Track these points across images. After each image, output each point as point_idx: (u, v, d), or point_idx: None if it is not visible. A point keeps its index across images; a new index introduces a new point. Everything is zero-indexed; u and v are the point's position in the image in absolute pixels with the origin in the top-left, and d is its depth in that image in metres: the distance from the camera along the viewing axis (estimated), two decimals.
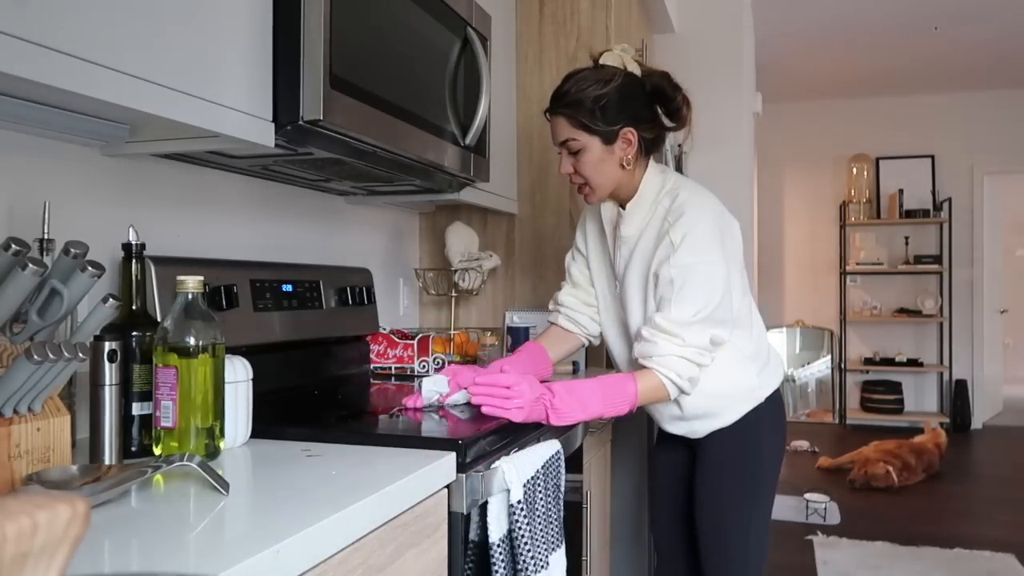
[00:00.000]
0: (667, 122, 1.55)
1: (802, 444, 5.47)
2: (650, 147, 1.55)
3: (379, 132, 1.39)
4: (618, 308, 1.64)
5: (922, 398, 6.47)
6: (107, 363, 1.04)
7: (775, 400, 1.62)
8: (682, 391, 1.44)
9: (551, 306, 1.76)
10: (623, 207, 1.56)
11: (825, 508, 3.88)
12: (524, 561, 1.19)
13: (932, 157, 6.43)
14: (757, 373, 1.58)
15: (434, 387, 1.43)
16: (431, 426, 1.36)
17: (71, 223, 1.24)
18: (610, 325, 1.68)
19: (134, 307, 1.12)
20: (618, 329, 1.66)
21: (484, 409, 1.32)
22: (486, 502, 1.18)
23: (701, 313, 1.40)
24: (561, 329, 1.74)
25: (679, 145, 2.82)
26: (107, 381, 1.04)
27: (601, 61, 1.52)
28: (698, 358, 1.41)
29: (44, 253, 1.06)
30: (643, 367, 1.44)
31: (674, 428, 1.63)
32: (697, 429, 1.59)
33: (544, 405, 1.35)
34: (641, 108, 1.51)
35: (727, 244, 1.48)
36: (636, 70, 1.52)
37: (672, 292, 1.41)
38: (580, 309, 1.72)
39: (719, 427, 1.57)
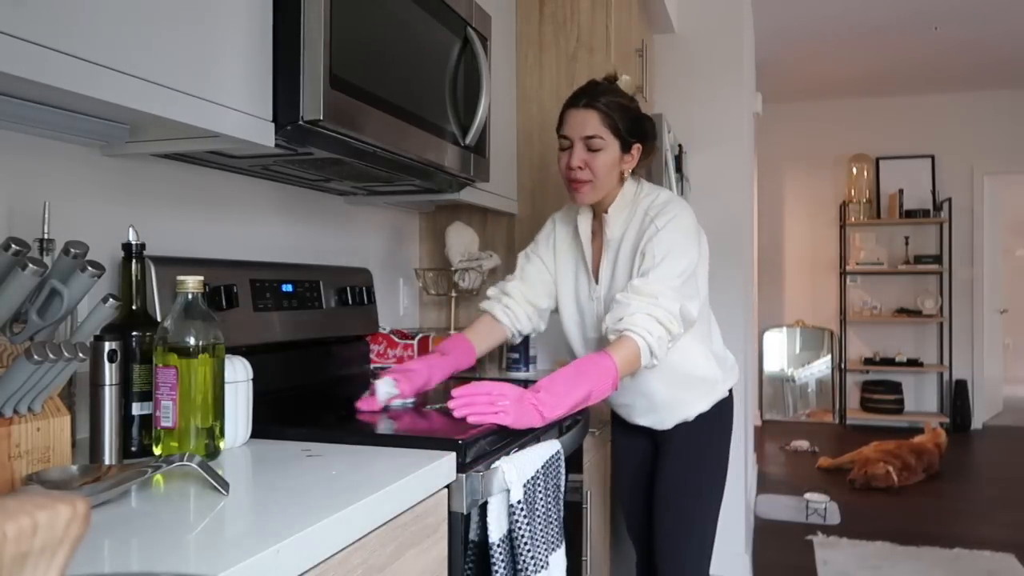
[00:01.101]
0: None
1: (802, 444, 5.47)
2: (636, 168, 1.68)
3: (379, 132, 1.39)
4: (589, 317, 1.70)
5: (922, 398, 6.47)
6: (107, 363, 1.04)
7: (731, 397, 1.80)
8: (653, 355, 1.44)
9: (491, 293, 1.76)
10: (605, 212, 1.65)
11: (825, 508, 3.88)
12: (524, 561, 1.19)
13: (932, 157, 6.44)
14: (719, 366, 1.74)
15: (387, 389, 1.43)
16: (431, 426, 1.36)
17: (71, 223, 1.24)
18: (577, 333, 1.75)
19: (134, 307, 1.12)
20: (587, 336, 1.72)
21: (471, 419, 1.28)
22: (486, 502, 1.18)
23: (676, 280, 1.49)
24: (491, 320, 1.73)
25: (679, 145, 2.82)
26: (107, 381, 1.04)
27: (619, 83, 1.66)
28: (668, 322, 1.44)
29: (44, 253, 1.06)
30: (614, 340, 1.45)
31: (643, 420, 1.75)
32: (665, 419, 1.72)
33: (531, 404, 1.32)
34: (644, 132, 1.64)
35: (701, 243, 1.61)
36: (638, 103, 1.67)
37: (653, 264, 1.51)
38: (522, 304, 1.74)
39: (685, 419, 1.71)
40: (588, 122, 1.57)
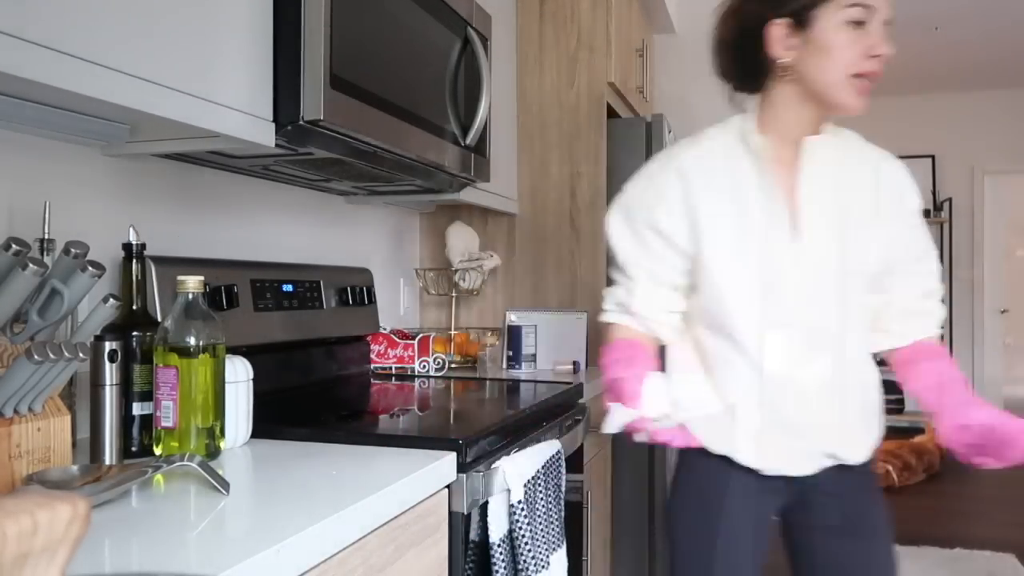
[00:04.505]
0: None
1: None
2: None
3: (379, 132, 1.39)
4: (787, 286, 1.19)
5: None
6: (107, 363, 1.04)
7: None
8: None
9: (613, 307, 1.31)
10: (814, 134, 1.27)
11: None
12: (524, 561, 1.19)
13: (932, 157, 6.43)
14: None
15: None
16: (431, 426, 1.36)
17: (71, 223, 1.24)
18: (752, 308, 1.19)
19: (134, 307, 1.12)
20: (757, 283, 1.19)
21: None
22: (486, 502, 1.18)
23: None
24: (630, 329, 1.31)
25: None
26: (107, 381, 1.04)
27: None
28: None
29: (44, 253, 1.06)
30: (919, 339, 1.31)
31: (834, 445, 1.24)
32: (865, 439, 1.29)
33: None
34: None
35: None
36: None
37: (929, 261, 1.33)
38: (658, 318, 1.28)
39: (876, 444, 1.30)
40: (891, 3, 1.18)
